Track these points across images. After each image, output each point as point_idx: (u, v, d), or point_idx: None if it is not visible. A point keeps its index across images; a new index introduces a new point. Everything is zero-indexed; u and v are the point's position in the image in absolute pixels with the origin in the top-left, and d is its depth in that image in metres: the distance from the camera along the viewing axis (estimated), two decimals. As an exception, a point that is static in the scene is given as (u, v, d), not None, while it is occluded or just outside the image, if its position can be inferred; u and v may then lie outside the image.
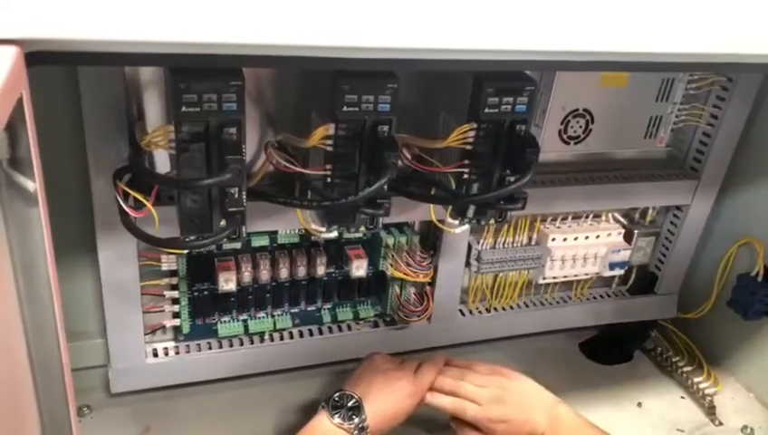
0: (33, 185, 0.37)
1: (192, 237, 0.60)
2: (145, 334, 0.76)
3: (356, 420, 0.67)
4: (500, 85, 0.61)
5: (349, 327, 0.86)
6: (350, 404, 0.68)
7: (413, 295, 0.87)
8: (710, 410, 0.89)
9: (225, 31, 0.39)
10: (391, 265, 0.82)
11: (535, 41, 0.46)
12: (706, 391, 0.90)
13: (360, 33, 0.41)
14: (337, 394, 0.69)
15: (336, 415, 0.67)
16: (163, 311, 0.77)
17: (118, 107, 0.61)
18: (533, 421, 0.71)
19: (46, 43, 0.35)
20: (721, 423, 0.88)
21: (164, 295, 0.76)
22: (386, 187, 0.61)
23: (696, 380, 0.92)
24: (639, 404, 0.90)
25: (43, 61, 0.36)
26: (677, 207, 0.93)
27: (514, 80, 0.62)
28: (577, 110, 0.79)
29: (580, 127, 0.81)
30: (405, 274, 0.82)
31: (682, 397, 0.92)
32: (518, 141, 0.63)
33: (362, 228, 0.67)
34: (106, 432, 0.76)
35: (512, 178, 0.64)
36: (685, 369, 0.93)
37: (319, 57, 0.44)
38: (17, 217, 0.37)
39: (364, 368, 0.74)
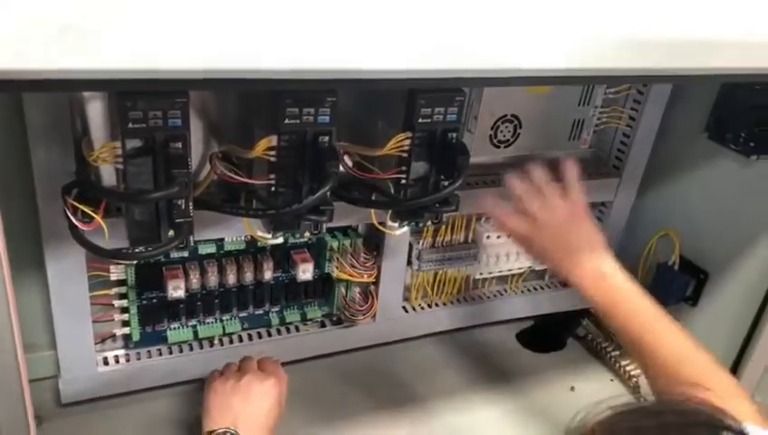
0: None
1: (141, 248, 0.61)
2: (95, 343, 0.76)
3: None
4: (432, 96, 0.64)
5: (297, 328, 0.89)
6: None
7: (358, 295, 0.90)
8: (635, 390, 0.95)
9: (168, 57, 0.39)
10: (336, 268, 0.85)
11: (463, 61, 0.49)
12: (632, 373, 0.96)
13: (300, 57, 0.44)
14: None
15: None
16: (113, 320, 0.78)
17: (62, 123, 0.61)
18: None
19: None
20: (645, 400, 0.94)
21: (113, 305, 0.77)
22: (328, 194, 0.64)
23: (623, 363, 0.98)
24: (572, 388, 0.95)
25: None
26: (602, 204, 0.99)
27: (445, 91, 0.65)
28: (505, 115, 0.84)
29: (509, 131, 0.85)
30: (350, 275, 0.85)
31: (611, 379, 0.99)
32: (450, 148, 0.67)
33: (307, 233, 0.69)
34: (58, 443, 0.76)
35: (446, 183, 0.68)
36: (613, 353, 1.00)
37: (260, 79, 0.45)
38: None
39: (214, 398, 0.70)
